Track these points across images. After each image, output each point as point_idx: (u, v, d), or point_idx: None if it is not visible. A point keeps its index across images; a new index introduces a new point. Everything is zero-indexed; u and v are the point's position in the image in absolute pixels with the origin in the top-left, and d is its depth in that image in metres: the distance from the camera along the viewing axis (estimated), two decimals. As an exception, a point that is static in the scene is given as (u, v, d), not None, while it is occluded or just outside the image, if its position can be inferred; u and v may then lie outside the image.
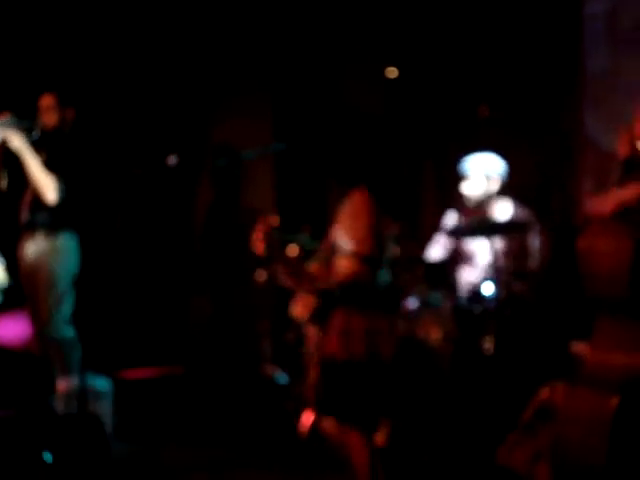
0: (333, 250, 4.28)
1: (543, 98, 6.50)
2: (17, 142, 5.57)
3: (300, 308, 4.33)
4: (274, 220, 4.29)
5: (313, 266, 4.39)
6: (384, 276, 5.12)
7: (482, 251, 5.96)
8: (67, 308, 5.59)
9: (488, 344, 5.42)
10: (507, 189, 6.06)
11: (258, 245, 4.26)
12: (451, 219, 6.17)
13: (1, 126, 5.58)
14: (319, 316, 4.28)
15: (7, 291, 5.68)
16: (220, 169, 7.32)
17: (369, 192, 4.24)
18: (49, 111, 5.80)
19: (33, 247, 5.68)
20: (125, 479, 5.18)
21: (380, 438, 5.17)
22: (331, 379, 4.19)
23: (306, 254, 4.92)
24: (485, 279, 5.62)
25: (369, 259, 4.20)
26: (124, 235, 4.83)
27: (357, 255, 4.18)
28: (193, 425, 6.29)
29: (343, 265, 4.20)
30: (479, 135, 6.22)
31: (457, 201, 6.16)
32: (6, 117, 5.63)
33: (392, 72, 6.82)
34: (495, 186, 5.98)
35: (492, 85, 6.54)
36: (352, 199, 4.27)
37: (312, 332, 4.37)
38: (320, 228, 4.67)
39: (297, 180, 7.32)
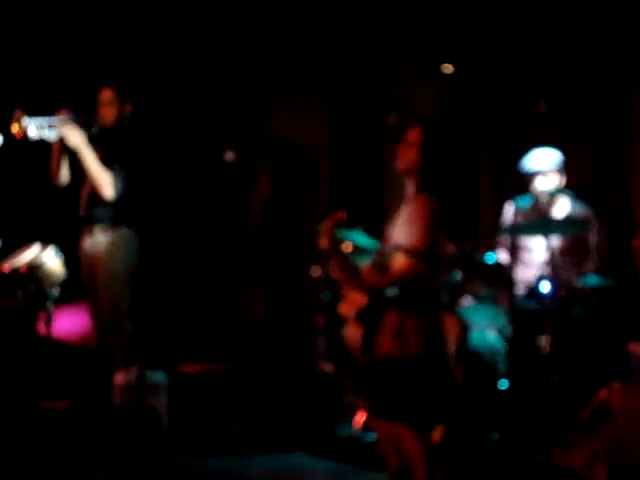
0: (388, 250, 4.27)
1: (601, 94, 6.43)
2: (75, 139, 5.60)
3: (347, 306, 4.32)
4: (342, 216, 4.27)
5: (365, 265, 4.38)
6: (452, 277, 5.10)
7: (539, 248, 5.90)
8: (126, 301, 5.63)
9: (544, 343, 5.37)
10: (565, 186, 5.99)
11: (324, 240, 4.25)
12: (508, 216, 6.11)
13: (59, 123, 5.63)
14: (366, 315, 4.27)
15: (65, 285, 5.74)
16: (277, 164, 7.33)
17: (430, 194, 4.22)
18: (108, 105, 5.81)
19: (92, 242, 5.72)
20: (181, 472, 5.22)
21: (436, 437, 5.16)
22: (386, 380, 4.18)
23: (359, 251, 4.91)
24: (542, 277, 5.57)
25: (426, 257, 4.18)
26: (181, 230, 4.84)
27: (413, 252, 4.16)
28: (246, 420, 6.32)
29: (398, 262, 4.19)
30: (536, 131, 6.16)
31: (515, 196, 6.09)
32: (63, 114, 5.67)
33: (447, 68, 6.77)
34: (564, 180, 5.91)
35: (550, 81, 6.47)
36: (413, 201, 4.25)
37: (353, 331, 4.33)
38: (375, 225, 4.64)
39: (353, 176, 7.32)
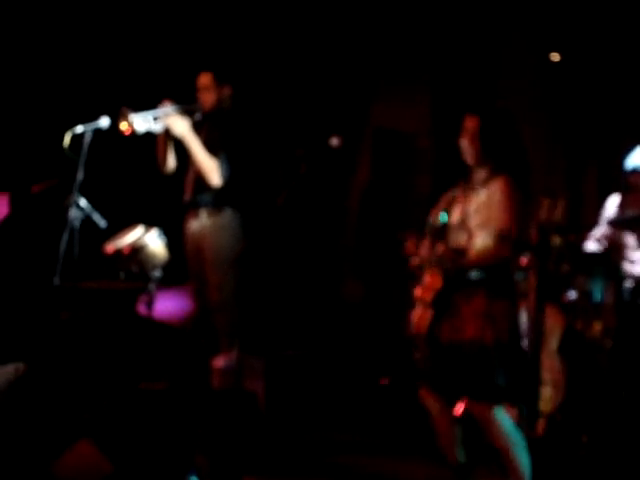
0: (466, 232, 4.23)
1: None
2: (179, 129, 5.66)
3: (424, 289, 4.30)
4: None
5: (440, 247, 4.35)
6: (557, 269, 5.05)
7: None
8: (233, 283, 5.65)
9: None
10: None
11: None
12: (612, 209, 5.98)
13: (163, 115, 5.69)
14: (439, 299, 4.24)
15: (167, 268, 5.78)
16: (379, 152, 7.31)
17: (515, 178, 4.25)
18: (207, 90, 5.85)
19: (197, 225, 5.77)
20: (276, 456, 5.23)
21: (539, 429, 5.10)
22: (475, 362, 4.16)
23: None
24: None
25: (512, 241, 4.16)
26: (285, 215, 4.84)
27: (503, 235, 4.14)
28: (340, 408, 6.31)
29: (486, 245, 4.16)
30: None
31: (621, 191, 5.97)
32: (166, 105, 5.73)
33: (555, 56, 6.66)
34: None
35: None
36: (496, 184, 4.24)
37: (423, 315, 4.31)
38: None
39: (455, 167, 7.23)
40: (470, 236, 4.25)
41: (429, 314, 4.27)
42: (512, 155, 4.30)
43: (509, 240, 4.17)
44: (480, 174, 4.33)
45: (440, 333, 4.24)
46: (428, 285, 4.29)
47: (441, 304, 4.26)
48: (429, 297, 4.27)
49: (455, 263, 4.23)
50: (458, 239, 4.31)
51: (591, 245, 5.98)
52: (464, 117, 4.40)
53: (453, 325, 4.22)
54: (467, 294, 4.23)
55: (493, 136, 4.30)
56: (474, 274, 4.21)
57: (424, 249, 4.41)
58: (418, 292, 4.35)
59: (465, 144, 4.36)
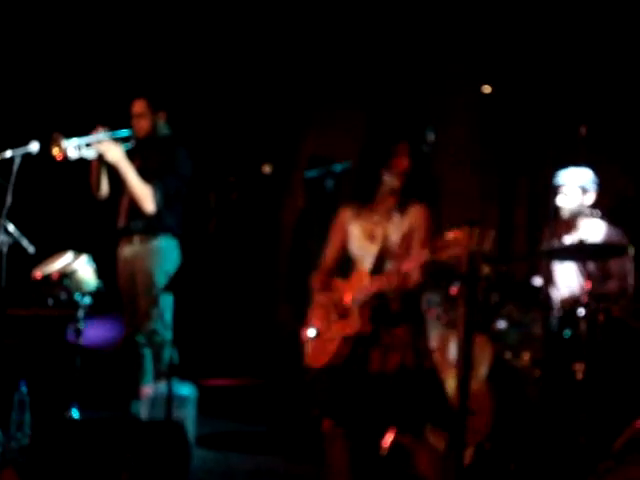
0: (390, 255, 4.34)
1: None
2: (112, 155, 5.64)
3: (344, 325, 4.40)
4: None
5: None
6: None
7: (574, 272, 5.83)
8: (166, 310, 5.61)
9: (578, 369, 5.29)
10: (601, 210, 5.92)
11: None
12: (545, 241, 6.04)
13: (96, 141, 5.66)
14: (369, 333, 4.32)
15: (96, 295, 5.72)
16: (311, 180, 7.32)
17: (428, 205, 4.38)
18: (141, 117, 5.85)
19: (130, 251, 5.75)
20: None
21: (466, 458, 5.10)
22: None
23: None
24: (577, 302, 5.49)
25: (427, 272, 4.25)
26: (217, 242, 4.83)
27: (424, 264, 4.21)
28: (272, 435, 6.28)
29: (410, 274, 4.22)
30: (574, 154, 6.11)
31: (550, 220, 6.04)
32: (99, 131, 5.69)
33: (486, 89, 6.74)
34: (590, 200, 5.84)
35: (590, 104, 6.42)
36: (416, 212, 4.38)
37: (338, 346, 4.40)
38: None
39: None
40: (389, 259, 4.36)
41: (347, 348, 4.31)
42: (427, 183, 4.40)
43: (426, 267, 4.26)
44: (391, 198, 4.39)
45: (368, 364, 4.28)
46: (353, 323, 4.33)
47: (367, 338, 4.30)
48: (339, 333, 4.33)
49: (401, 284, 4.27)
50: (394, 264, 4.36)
51: (537, 280, 6.01)
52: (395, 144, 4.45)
53: (381, 356, 4.26)
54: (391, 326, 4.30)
55: (418, 161, 4.38)
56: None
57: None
58: (323, 327, 4.40)
59: (399, 167, 4.40)
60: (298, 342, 7.25)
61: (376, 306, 4.32)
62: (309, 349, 4.52)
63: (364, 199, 4.48)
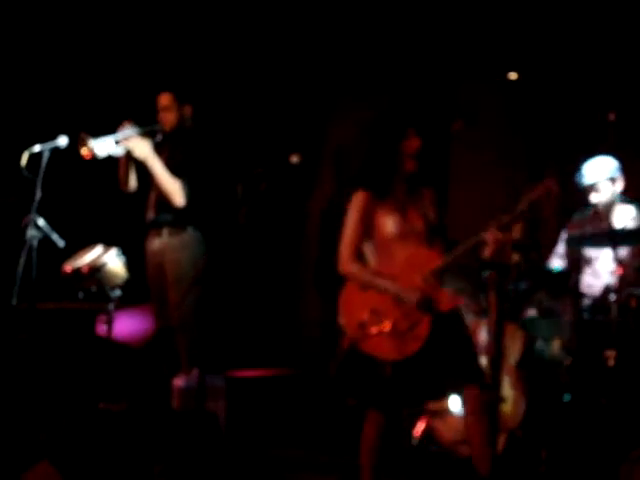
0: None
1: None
2: (141, 152, 5.64)
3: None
4: None
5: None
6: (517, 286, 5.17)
7: (606, 260, 5.80)
8: (193, 303, 5.62)
9: (610, 356, 5.27)
10: (630, 195, 5.89)
11: None
12: (574, 227, 6.01)
13: (124, 138, 5.67)
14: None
15: (126, 287, 5.74)
16: (339, 169, 7.34)
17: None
18: (167, 111, 5.85)
19: (159, 244, 5.75)
20: (237, 477, 5.19)
21: (499, 446, 5.10)
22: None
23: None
24: (609, 288, 5.46)
25: None
26: (245, 234, 4.82)
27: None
28: (305, 426, 6.28)
29: None
30: (603, 141, 6.07)
31: (580, 208, 6.02)
32: (126, 126, 5.70)
33: (513, 75, 6.71)
34: (620, 187, 5.81)
35: (618, 90, 6.38)
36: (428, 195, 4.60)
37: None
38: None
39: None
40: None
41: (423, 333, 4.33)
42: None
43: None
44: (408, 183, 4.46)
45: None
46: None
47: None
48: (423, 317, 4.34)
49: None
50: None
51: (555, 262, 6.02)
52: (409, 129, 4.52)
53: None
54: None
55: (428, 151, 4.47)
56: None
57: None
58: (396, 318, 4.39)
59: (413, 151, 4.47)
60: (325, 332, 7.28)
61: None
62: (381, 343, 4.42)
63: (382, 183, 4.49)
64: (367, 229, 4.49)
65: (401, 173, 4.47)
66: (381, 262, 4.47)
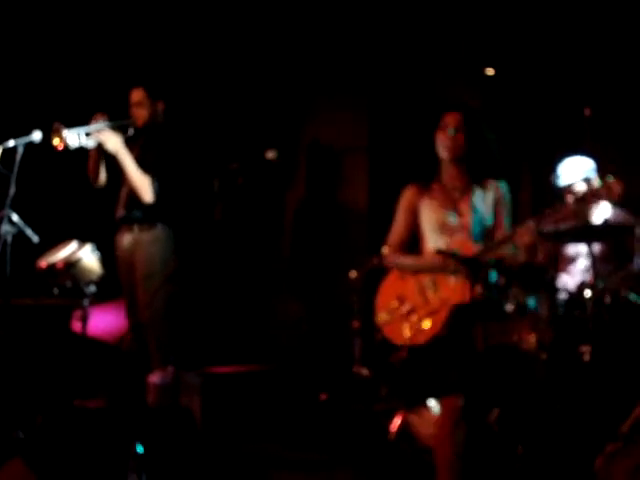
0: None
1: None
2: (112, 144, 5.63)
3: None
4: None
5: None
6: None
7: (581, 255, 5.82)
8: (163, 300, 5.62)
9: (585, 351, 5.28)
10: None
11: None
12: (548, 223, 6.03)
13: (96, 130, 5.65)
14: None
15: (101, 283, 5.72)
16: (315, 165, 7.32)
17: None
18: (140, 106, 5.85)
19: (129, 240, 5.75)
20: (212, 473, 5.18)
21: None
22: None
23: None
24: (584, 284, 5.48)
25: None
26: (220, 230, 4.82)
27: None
28: (280, 423, 6.27)
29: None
30: (579, 137, 6.09)
31: (555, 204, 6.03)
32: (99, 119, 5.69)
33: (489, 71, 6.72)
34: (594, 187, 5.83)
35: (593, 85, 6.40)
36: (497, 188, 4.69)
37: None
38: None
39: (392, 179, 7.25)
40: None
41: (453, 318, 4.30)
42: (491, 156, 4.47)
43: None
44: (461, 173, 4.42)
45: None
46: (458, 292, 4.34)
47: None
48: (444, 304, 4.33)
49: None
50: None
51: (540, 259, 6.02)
52: (442, 115, 4.51)
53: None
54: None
55: (476, 131, 4.41)
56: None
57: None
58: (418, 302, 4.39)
59: (448, 140, 4.43)
60: (301, 327, 7.28)
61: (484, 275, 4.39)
62: (397, 327, 4.45)
63: (427, 177, 4.53)
64: (412, 223, 4.60)
65: (446, 163, 4.50)
66: (421, 252, 4.61)
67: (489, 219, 4.58)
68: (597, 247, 5.73)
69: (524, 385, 5.47)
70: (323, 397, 6.40)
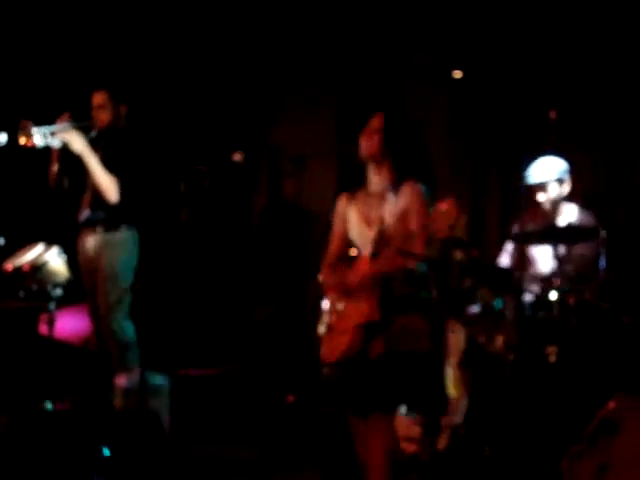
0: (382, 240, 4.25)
1: (612, 101, 6.38)
2: (77, 145, 5.61)
3: (339, 318, 4.33)
4: None
5: (361, 257, 4.40)
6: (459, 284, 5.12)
7: (546, 257, 5.85)
8: (126, 303, 5.61)
9: (551, 352, 5.31)
10: (572, 194, 5.94)
11: None
12: (516, 225, 6.07)
13: (60, 129, 5.63)
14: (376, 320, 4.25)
15: (67, 286, 5.69)
16: (280, 170, 7.32)
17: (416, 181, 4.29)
18: (102, 108, 5.84)
19: (93, 242, 5.73)
20: (181, 476, 5.17)
21: (441, 444, 5.12)
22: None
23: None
24: (549, 286, 5.52)
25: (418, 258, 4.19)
26: (187, 232, 4.80)
27: (405, 253, 4.15)
28: (248, 425, 6.27)
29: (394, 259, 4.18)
30: (545, 139, 6.12)
31: (523, 206, 6.06)
32: (64, 119, 5.67)
33: (457, 74, 6.75)
34: (567, 189, 5.86)
35: (559, 88, 6.44)
36: (408, 190, 4.24)
37: (338, 340, 4.33)
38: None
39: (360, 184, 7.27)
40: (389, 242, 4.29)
41: (347, 339, 4.24)
42: (415, 157, 4.31)
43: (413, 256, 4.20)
44: (382, 178, 4.32)
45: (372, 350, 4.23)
46: (350, 312, 4.26)
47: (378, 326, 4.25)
48: (350, 324, 4.25)
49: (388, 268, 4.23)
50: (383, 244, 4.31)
51: (504, 259, 6.05)
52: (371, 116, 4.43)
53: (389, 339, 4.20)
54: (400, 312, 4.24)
55: (396, 131, 4.30)
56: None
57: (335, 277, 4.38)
58: (333, 320, 4.31)
59: (366, 142, 4.35)
60: (269, 330, 7.28)
61: (382, 292, 4.24)
62: (323, 344, 4.39)
63: (357, 183, 4.45)
64: (345, 232, 4.54)
65: (371, 168, 4.40)
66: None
67: (393, 229, 4.40)
68: (563, 249, 5.76)
69: (491, 386, 5.50)
70: (290, 399, 6.41)
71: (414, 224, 4.22)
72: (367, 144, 4.36)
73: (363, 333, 4.26)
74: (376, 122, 4.36)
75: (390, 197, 4.29)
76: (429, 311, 4.34)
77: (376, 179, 4.37)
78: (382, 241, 4.35)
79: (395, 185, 4.29)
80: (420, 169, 4.33)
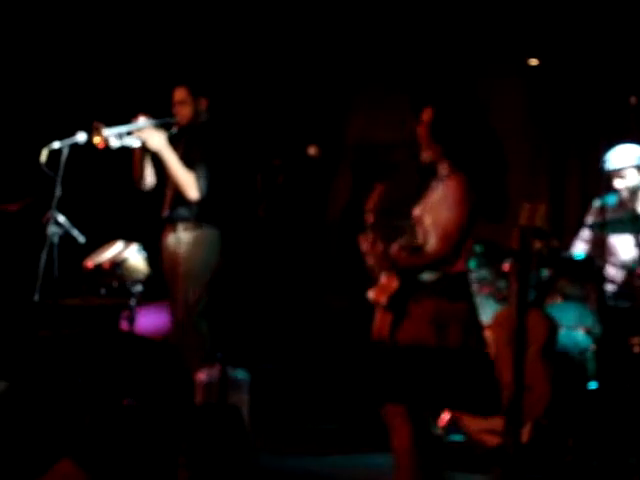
0: (422, 231, 4.18)
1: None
2: (155, 143, 5.65)
3: (378, 291, 4.17)
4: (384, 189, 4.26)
5: (395, 246, 4.27)
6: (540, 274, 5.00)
7: (627, 245, 5.75)
8: (203, 301, 5.65)
9: (636, 343, 5.22)
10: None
11: (369, 216, 4.23)
12: (595, 213, 5.97)
13: (138, 129, 5.67)
14: (396, 302, 4.12)
15: (148, 282, 5.74)
16: (358, 162, 7.29)
17: (465, 175, 4.14)
18: (183, 104, 5.86)
19: (174, 239, 5.76)
20: (263, 471, 5.19)
21: (524, 436, 5.06)
22: (422, 368, 4.06)
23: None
24: (633, 274, 5.43)
25: (460, 241, 4.09)
26: (264, 227, 4.81)
27: (449, 236, 4.07)
28: (329, 418, 6.28)
29: (434, 245, 4.10)
30: (626, 126, 6.01)
31: (602, 192, 5.96)
32: (141, 119, 5.71)
33: (533, 61, 6.66)
34: None
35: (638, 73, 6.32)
36: (450, 183, 4.17)
37: (382, 318, 4.20)
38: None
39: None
40: (425, 234, 4.18)
41: (388, 318, 4.17)
42: (471, 150, 4.19)
43: (452, 242, 4.09)
44: (442, 170, 4.26)
45: (397, 336, 4.14)
46: (384, 287, 4.18)
47: (397, 307, 4.17)
48: (384, 300, 4.16)
49: (406, 263, 4.16)
50: (413, 237, 4.24)
51: (579, 247, 5.97)
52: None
53: (406, 330, 4.11)
54: (416, 298, 4.13)
55: (444, 127, 4.23)
56: (425, 276, 4.13)
57: (376, 248, 4.29)
58: (372, 294, 4.22)
59: (418, 133, 4.32)
60: (346, 324, 7.25)
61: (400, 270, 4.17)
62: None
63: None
64: None
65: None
66: None
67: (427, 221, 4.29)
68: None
69: (574, 377, 5.43)
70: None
71: (440, 219, 4.10)
72: (419, 136, 4.33)
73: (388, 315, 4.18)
74: (425, 115, 4.31)
75: (438, 188, 4.23)
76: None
77: (439, 169, 4.33)
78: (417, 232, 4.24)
79: (446, 176, 4.22)
80: (478, 161, 4.20)
